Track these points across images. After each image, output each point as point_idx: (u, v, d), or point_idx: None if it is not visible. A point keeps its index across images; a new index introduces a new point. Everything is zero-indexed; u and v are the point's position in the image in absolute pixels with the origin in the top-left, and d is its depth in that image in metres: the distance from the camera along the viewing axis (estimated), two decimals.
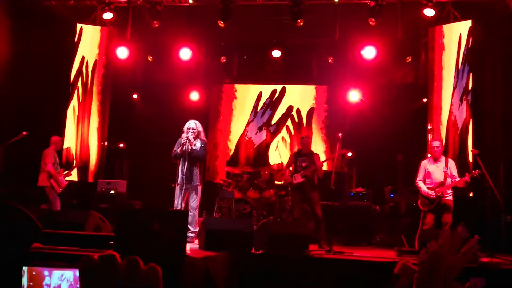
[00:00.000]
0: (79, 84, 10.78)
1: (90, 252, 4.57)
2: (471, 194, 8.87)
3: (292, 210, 8.75)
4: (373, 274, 5.51)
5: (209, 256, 5.20)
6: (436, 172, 7.35)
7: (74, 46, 10.78)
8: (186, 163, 7.32)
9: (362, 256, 6.60)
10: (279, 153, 10.72)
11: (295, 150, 8.87)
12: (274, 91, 12.95)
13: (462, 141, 9.25)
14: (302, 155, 8.25)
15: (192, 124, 7.56)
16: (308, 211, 8.11)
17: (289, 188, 8.74)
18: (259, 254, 5.96)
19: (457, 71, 9.61)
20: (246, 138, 12.88)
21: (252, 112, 12.94)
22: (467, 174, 7.16)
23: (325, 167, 9.32)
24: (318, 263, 5.93)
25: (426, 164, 7.50)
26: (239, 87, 13.15)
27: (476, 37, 9.47)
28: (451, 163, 7.41)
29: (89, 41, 10.91)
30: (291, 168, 8.44)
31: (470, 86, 9.34)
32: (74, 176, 10.25)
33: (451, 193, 7.28)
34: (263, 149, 12.71)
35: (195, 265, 4.64)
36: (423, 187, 7.37)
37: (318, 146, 12.14)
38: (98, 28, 10.95)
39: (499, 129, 9.34)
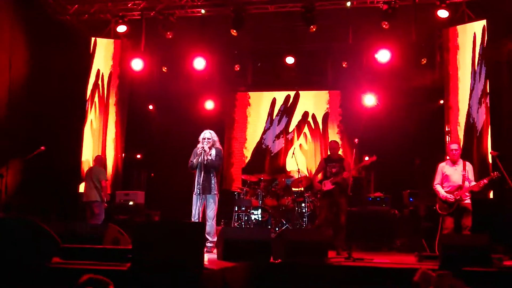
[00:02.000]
0: (96, 99, 10.90)
1: (108, 266, 4.60)
2: (491, 195, 8.73)
3: (319, 216, 8.70)
4: (394, 280, 5.44)
5: (227, 267, 5.18)
6: (454, 175, 7.22)
7: (89, 60, 10.91)
8: (203, 173, 7.33)
9: (382, 262, 6.52)
10: (296, 160, 10.69)
11: (325, 156, 8.83)
12: (288, 97, 12.93)
13: (481, 144, 9.13)
14: (332, 161, 8.21)
15: (207, 134, 7.57)
16: (329, 218, 8.05)
17: (319, 195, 8.70)
18: (277, 263, 5.92)
19: (474, 72, 9.50)
20: (263, 146, 12.85)
21: (267, 119, 12.92)
22: (484, 179, 7.03)
23: None
24: (338, 270, 5.87)
25: (443, 167, 7.36)
26: (252, 94, 13.16)
27: (491, 36, 9.35)
28: (469, 166, 7.28)
29: (103, 53, 11.05)
30: (320, 175, 8.39)
31: (488, 89, 9.21)
32: None
33: (469, 196, 7.16)
34: (281, 156, 12.66)
35: (213, 276, 4.62)
36: (441, 190, 7.24)
37: None
38: (112, 40, 11.07)
39: None
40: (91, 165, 10.09)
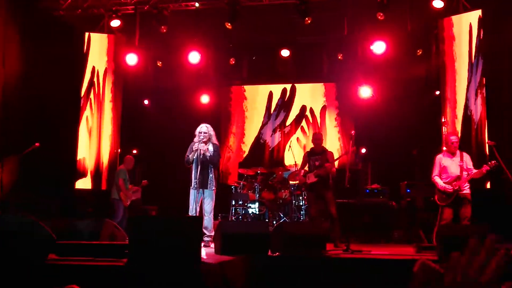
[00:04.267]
0: (91, 96, 10.82)
1: (105, 262, 4.56)
2: (488, 185, 8.73)
3: (308, 209, 8.70)
4: (393, 272, 5.43)
5: (225, 261, 5.15)
6: (452, 166, 7.22)
7: (84, 57, 10.82)
8: (199, 167, 7.29)
9: (380, 254, 6.52)
10: (293, 153, 10.66)
11: (308, 149, 8.80)
12: (284, 90, 12.88)
13: (479, 135, 9.10)
14: (315, 154, 8.18)
15: (204, 128, 7.53)
16: (324, 210, 8.04)
17: (303, 189, 8.68)
18: (276, 256, 5.90)
19: (471, 64, 9.45)
20: (261, 141, 12.80)
21: (265, 114, 12.87)
22: (484, 165, 7.02)
23: (337, 165, 9.20)
24: (336, 263, 5.86)
25: (441, 159, 7.36)
26: (248, 88, 13.10)
27: (487, 27, 9.31)
28: (466, 157, 7.28)
29: (97, 49, 10.96)
30: (306, 168, 8.37)
31: (484, 80, 9.18)
32: (88, 184, 10.35)
33: (468, 187, 7.14)
34: (279, 150, 12.62)
35: (211, 271, 4.60)
36: (439, 182, 7.24)
37: (333, 144, 12.05)
38: (106, 35, 10.99)
39: None
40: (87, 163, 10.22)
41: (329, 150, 8.43)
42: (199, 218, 6.00)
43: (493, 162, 6.93)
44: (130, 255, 4.45)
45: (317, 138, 8.36)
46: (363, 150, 10.65)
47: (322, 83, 12.72)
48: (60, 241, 5.10)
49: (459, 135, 9.35)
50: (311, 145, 8.51)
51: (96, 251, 4.97)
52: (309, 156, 8.23)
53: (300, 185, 9.05)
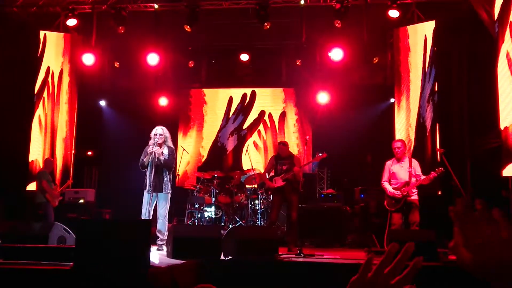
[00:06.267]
0: (45, 95, 10.56)
1: (51, 266, 4.47)
2: (439, 193, 8.96)
3: (270, 213, 8.72)
4: (343, 276, 5.49)
5: (175, 264, 5.12)
6: (400, 172, 7.37)
7: (39, 57, 10.55)
8: (154, 170, 7.22)
9: (332, 258, 6.60)
10: (249, 157, 10.68)
11: (275, 153, 8.85)
12: (244, 95, 12.87)
13: (431, 142, 9.34)
14: (282, 158, 8.24)
15: (159, 130, 7.46)
16: (282, 215, 8.10)
17: (270, 192, 8.71)
18: (227, 260, 5.89)
19: (424, 73, 9.70)
20: (219, 144, 12.75)
21: (224, 117, 12.82)
22: (432, 172, 7.18)
23: None
24: (288, 267, 5.90)
25: (390, 165, 7.50)
26: (207, 92, 13.02)
27: (441, 38, 9.58)
28: (415, 163, 7.45)
29: (53, 49, 10.71)
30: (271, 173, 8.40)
31: (436, 88, 9.44)
32: None
33: (416, 192, 7.30)
34: (236, 154, 12.59)
35: (160, 274, 4.55)
36: (388, 187, 7.38)
37: (292, 149, 12.09)
38: (61, 34, 10.76)
39: (466, 129, 9.44)
40: (41, 167, 9.97)
41: (295, 155, 8.52)
42: (148, 221, 5.93)
43: (440, 169, 7.10)
44: (76, 258, 4.37)
45: (282, 150, 8.43)
46: (320, 154, 10.76)
47: (282, 89, 12.77)
48: (6, 244, 4.97)
49: (413, 143, 9.57)
50: (269, 149, 8.56)
51: (43, 254, 4.85)
52: (276, 161, 8.29)
53: (266, 189, 9.07)
